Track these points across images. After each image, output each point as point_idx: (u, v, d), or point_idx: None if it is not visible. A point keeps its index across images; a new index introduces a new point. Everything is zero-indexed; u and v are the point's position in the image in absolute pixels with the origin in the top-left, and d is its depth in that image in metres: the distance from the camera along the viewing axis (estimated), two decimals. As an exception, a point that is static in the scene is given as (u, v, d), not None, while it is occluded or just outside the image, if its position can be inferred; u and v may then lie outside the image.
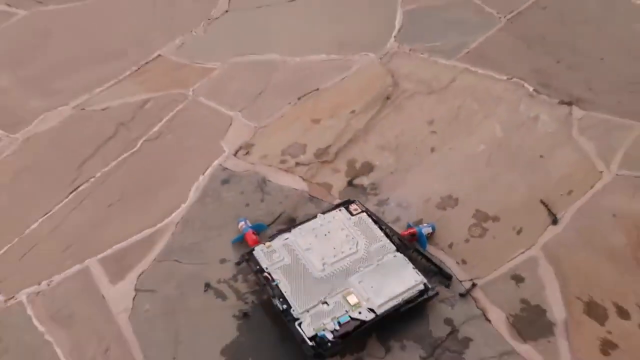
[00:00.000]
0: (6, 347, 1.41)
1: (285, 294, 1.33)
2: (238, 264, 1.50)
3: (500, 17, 2.38)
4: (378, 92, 2.06)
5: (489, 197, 1.63)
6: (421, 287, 1.35)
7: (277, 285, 1.35)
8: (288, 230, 1.50)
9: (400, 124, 1.91)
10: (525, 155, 1.75)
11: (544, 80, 2.01)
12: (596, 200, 1.58)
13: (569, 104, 1.90)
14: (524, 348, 1.28)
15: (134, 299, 1.49)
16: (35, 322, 1.47)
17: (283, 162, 1.82)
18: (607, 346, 1.26)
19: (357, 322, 1.29)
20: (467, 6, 2.48)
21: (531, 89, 1.99)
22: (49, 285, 1.55)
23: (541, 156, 1.73)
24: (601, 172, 1.66)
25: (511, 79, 2.04)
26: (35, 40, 2.65)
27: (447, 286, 1.42)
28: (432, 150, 1.80)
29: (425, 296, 1.35)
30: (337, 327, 1.27)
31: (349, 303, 1.31)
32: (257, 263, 1.41)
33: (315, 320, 1.28)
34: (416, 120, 1.92)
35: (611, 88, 1.95)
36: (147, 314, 1.44)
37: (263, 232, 1.59)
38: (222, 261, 1.54)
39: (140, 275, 1.54)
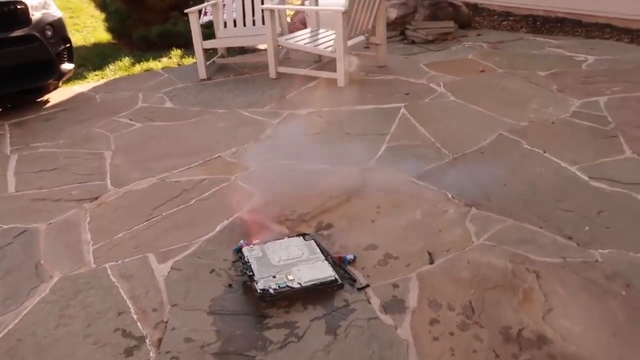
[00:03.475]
0: (92, 286, 2.41)
1: (253, 269, 2.28)
2: (234, 262, 2.49)
3: (449, 155, 3.45)
4: (351, 187, 3.12)
5: (396, 248, 2.53)
6: (332, 278, 2.24)
7: (250, 265, 2.32)
8: (265, 242, 2.49)
9: (357, 205, 2.91)
10: (429, 229, 2.66)
11: (460, 193, 2.97)
12: (461, 254, 2.45)
13: (470, 206, 2.84)
14: (383, 317, 2.12)
15: (169, 272, 2.45)
16: (111, 277, 2.47)
17: (278, 217, 2.86)
18: (434, 320, 2.07)
19: (289, 288, 2.19)
20: (430, 147, 3.57)
21: (450, 196, 2.96)
22: (122, 262, 2.58)
23: (440, 230, 2.65)
24: (473, 242, 2.55)
25: (439, 189, 3.04)
26: (142, 141, 4.00)
27: (352, 286, 2.30)
28: (373, 221, 2.78)
29: (334, 285, 2.24)
30: (277, 288, 2.19)
31: (287, 278, 2.24)
32: (243, 254, 2.39)
33: (266, 283, 2.20)
34: (369, 204, 2.92)
35: (502, 201, 2.86)
36: (174, 279, 2.40)
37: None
38: (225, 260, 2.52)
39: (175, 261, 2.53)
